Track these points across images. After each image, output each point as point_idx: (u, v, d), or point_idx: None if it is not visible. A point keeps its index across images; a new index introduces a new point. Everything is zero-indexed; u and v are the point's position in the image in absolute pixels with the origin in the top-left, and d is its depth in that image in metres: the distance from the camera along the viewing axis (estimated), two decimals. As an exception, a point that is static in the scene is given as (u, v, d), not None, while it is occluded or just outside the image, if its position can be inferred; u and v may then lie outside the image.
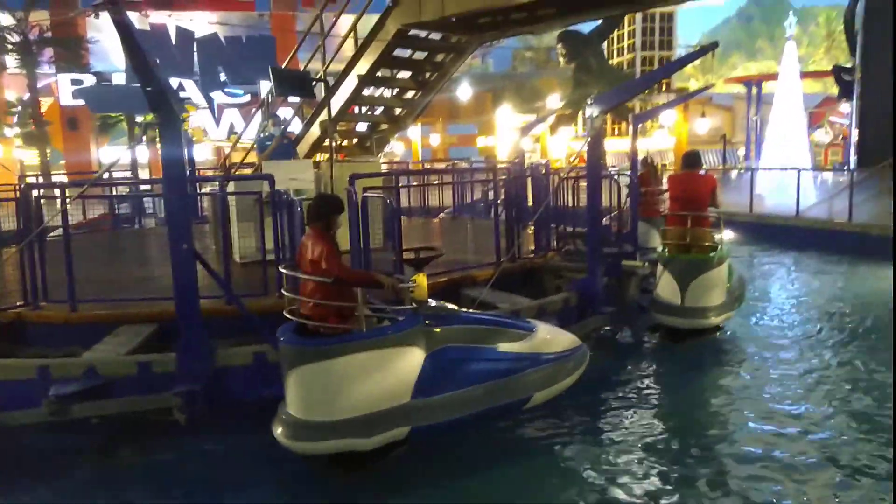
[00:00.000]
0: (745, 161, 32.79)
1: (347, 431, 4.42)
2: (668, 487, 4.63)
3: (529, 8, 8.57)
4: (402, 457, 4.79)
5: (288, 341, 4.56)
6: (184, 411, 5.01)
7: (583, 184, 9.08)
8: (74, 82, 24.21)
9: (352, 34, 9.54)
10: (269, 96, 11.29)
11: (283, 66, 10.68)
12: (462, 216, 14.05)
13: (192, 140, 24.79)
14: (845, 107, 26.55)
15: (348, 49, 10.05)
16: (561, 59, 31.20)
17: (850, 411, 5.75)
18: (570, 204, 9.68)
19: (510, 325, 5.20)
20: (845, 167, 24.57)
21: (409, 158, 34.21)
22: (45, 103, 28.61)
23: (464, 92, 33.76)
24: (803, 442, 5.23)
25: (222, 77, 23.03)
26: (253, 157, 12.51)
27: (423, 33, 9.37)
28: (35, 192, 6.84)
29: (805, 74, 33.21)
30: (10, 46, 24.52)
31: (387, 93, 10.39)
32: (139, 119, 27.84)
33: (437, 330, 4.75)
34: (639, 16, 55.61)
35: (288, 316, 4.72)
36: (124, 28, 4.26)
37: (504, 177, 8.40)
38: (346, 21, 10.97)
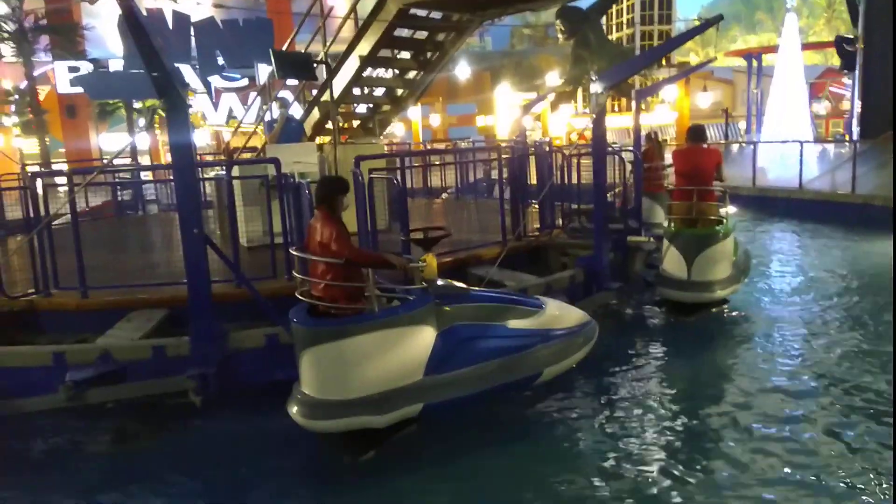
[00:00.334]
0: (746, 135, 32.66)
1: (362, 409, 4.49)
2: (678, 459, 4.69)
3: (530, -16, 8.51)
4: (414, 434, 4.86)
5: (301, 322, 4.61)
6: (198, 394, 5.07)
7: (585, 161, 9.10)
8: (71, 69, 24.09)
9: (352, 15, 9.49)
10: (270, 80, 11.24)
11: (283, 49, 10.60)
12: (465, 196, 14.07)
13: (192, 126, 24.71)
14: (847, 79, 26.39)
15: (347, 30, 10.00)
16: (560, 36, 30.90)
17: (855, 382, 5.80)
18: (575, 181, 9.68)
19: (519, 302, 5.25)
20: (847, 138, 24.53)
21: (409, 139, 34.10)
22: (43, 91, 28.49)
23: (462, 71, 33.55)
24: (810, 412, 5.28)
25: (220, 61, 22.92)
26: (255, 142, 12.51)
27: (423, 12, 9.32)
28: (41, 181, 6.87)
29: (806, 46, 33.00)
30: (5, 35, 24.34)
31: (388, 73, 10.35)
32: (137, 105, 27.72)
33: (448, 308, 4.79)
34: (638, -10, 55.01)
35: (300, 298, 4.76)
36: (130, 14, 4.25)
37: (507, 155, 8.39)
38: (343, 1, 10.91)
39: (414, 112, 31.07)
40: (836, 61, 27.04)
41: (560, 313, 5.35)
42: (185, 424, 5.40)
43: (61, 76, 24.89)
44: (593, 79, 6.71)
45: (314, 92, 10.30)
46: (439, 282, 4.86)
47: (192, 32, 20.96)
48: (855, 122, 21.76)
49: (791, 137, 19.97)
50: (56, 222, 7.46)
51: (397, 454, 4.77)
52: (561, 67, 37.39)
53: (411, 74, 10.12)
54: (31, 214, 6.99)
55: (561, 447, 5.03)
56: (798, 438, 4.87)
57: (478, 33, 51.34)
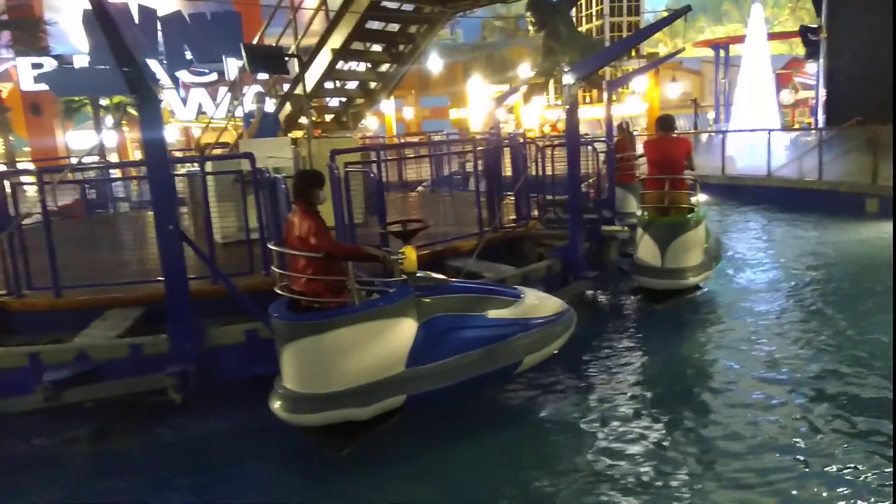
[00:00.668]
0: (715, 124, 33.10)
1: (344, 402, 4.51)
2: (657, 440, 4.79)
3: (501, -24, 8.53)
4: (396, 426, 4.89)
5: (282, 317, 4.61)
6: (178, 391, 5.05)
7: (559, 152, 9.18)
8: (35, 66, 23.53)
9: (323, 7, 9.43)
10: (240, 74, 11.13)
11: (253, 43, 10.51)
12: (440, 189, 14.08)
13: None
14: (811, 67, 26.87)
15: (319, 23, 9.94)
16: (530, 28, 31.00)
17: (825, 355, 6.05)
18: (549, 172, 9.77)
19: (498, 292, 5.31)
20: (813, 127, 24.98)
21: (383, 133, 33.96)
22: (5, 89, 27.80)
23: (434, 64, 33.48)
24: (783, 387, 5.47)
25: (188, 56, 22.56)
26: (226, 137, 12.38)
27: (395, 4, 9.30)
28: (9, 181, 6.73)
29: (772, 36, 33.48)
30: (-36, 31, 23.71)
31: (361, 66, 10.32)
32: (104, 102, 27.19)
33: (428, 300, 4.84)
34: (606, -19, 55.32)
35: (279, 292, 4.76)
36: (100, 8, 4.19)
37: (482, 148, 8.44)
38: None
39: (387, 105, 30.92)
40: (801, 51, 27.50)
41: (538, 302, 5.42)
42: (165, 422, 5.37)
43: (24, 73, 24.29)
44: (565, 70, 6.77)
45: (286, 86, 10.23)
46: (419, 274, 4.90)
47: (159, 27, 20.55)
48: (820, 109, 22.19)
49: (759, 126, 20.29)
50: (25, 222, 7.32)
51: (379, 447, 4.80)
52: (532, 59, 37.52)
53: (384, 67, 10.11)
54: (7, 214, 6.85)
55: (541, 435, 5.11)
56: (771, 420, 5.00)
57: (449, 26, 51.22)
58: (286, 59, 8.67)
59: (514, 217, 8.89)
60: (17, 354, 5.24)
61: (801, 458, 4.43)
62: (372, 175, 6.64)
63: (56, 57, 24.84)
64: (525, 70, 36.42)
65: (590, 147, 9.73)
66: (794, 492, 4.07)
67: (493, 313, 5.08)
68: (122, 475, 4.78)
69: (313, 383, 4.57)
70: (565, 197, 8.41)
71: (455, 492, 4.46)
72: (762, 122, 23.16)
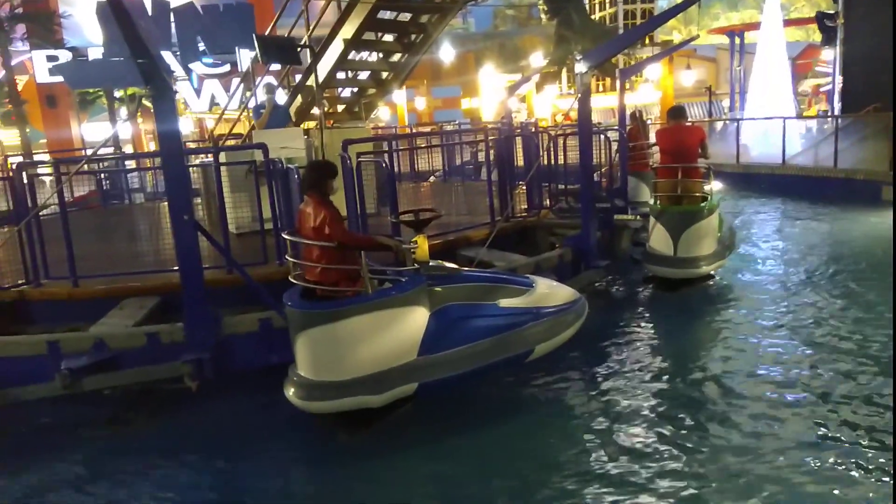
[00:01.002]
0: (730, 112, 32.80)
1: (357, 390, 4.56)
2: (669, 430, 4.80)
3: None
4: (409, 412, 4.94)
5: (296, 306, 4.67)
6: (194, 379, 5.12)
7: (571, 141, 9.15)
8: (50, 59, 23.72)
9: (334, -2, 9.44)
10: (252, 65, 11.16)
11: (266, 34, 10.53)
12: (452, 179, 14.09)
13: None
14: (828, 53, 26.51)
15: (331, 14, 9.93)
16: (543, 16, 30.92)
17: (838, 348, 5.97)
18: (561, 162, 9.75)
19: (510, 281, 5.33)
20: (827, 112, 24.69)
21: (395, 123, 33.94)
22: (21, 81, 28.05)
23: (446, 53, 33.36)
24: (796, 379, 5.43)
25: (201, 47, 22.64)
26: (239, 128, 12.43)
27: (407, -7, 9.29)
28: (28, 172, 6.83)
29: (788, 22, 33.08)
30: (-21, 24, 23.91)
31: (373, 57, 10.32)
32: (118, 94, 27.37)
33: (440, 289, 4.87)
34: (620, -32, 54.79)
35: (293, 281, 4.81)
36: (115, 0, 4.23)
37: (494, 137, 8.43)
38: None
39: (399, 95, 30.89)
40: (817, 37, 27.11)
41: (550, 291, 5.44)
42: (181, 409, 5.46)
43: (40, 66, 24.48)
44: (577, 59, 6.74)
45: (298, 77, 10.24)
46: (431, 263, 4.93)
47: (172, 18, 20.63)
48: (836, 97, 21.91)
49: (774, 114, 20.10)
50: (43, 213, 7.43)
51: (392, 434, 4.85)
52: (545, 48, 37.32)
53: (396, 57, 10.09)
54: (18, 206, 6.95)
55: (555, 423, 5.14)
56: (782, 414, 4.96)
57: (461, 15, 51.01)
58: (298, 49, 8.68)
59: (525, 206, 8.89)
60: (37, 342, 5.33)
61: (811, 452, 4.39)
62: (384, 165, 6.65)
63: (71, 49, 25.03)
64: (537, 59, 36.25)
65: (602, 136, 9.68)
66: (805, 488, 4.06)
67: (504, 302, 5.10)
68: (138, 461, 4.86)
69: (327, 371, 4.62)
70: (578, 186, 8.40)
71: (467, 479, 4.50)
72: (777, 109, 22.93)
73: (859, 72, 18.96)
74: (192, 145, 18.87)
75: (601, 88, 43.28)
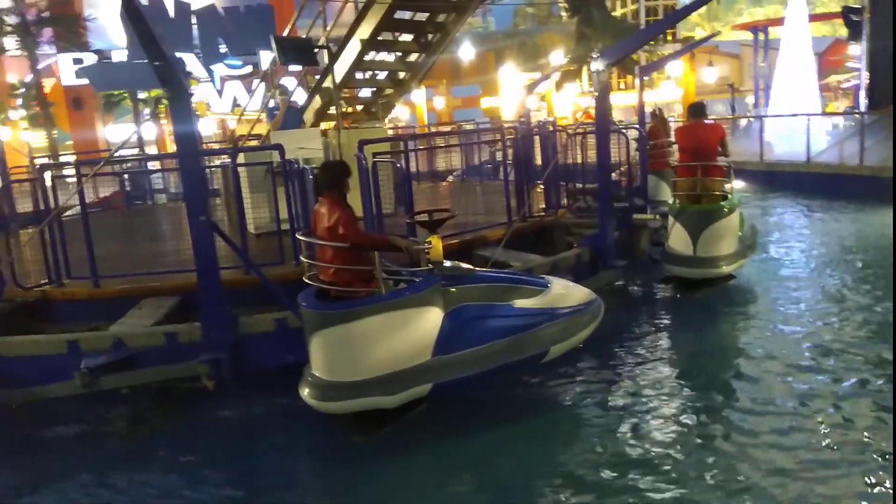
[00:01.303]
0: (754, 109, 32.34)
1: (372, 390, 4.57)
2: (687, 431, 4.75)
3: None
4: (425, 413, 4.93)
5: (310, 306, 4.68)
6: (211, 378, 5.16)
7: (590, 140, 9.07)
8: (76, 61, 24.12)
9: (351, -1, 9.47)
10: (272, 66, 11.24)
11: (284, 35, 10.60)
12: (470, 178, 14.07)
13: (197, 114, 24.70)
14: (855, 49, 26.03)
15: (348, 14, 9.97)
16: (563, 14, 30.76)
17: (861, 356, 5.81)
18: (580, 160, 9.68)
19: (525, 281, 5.30)
20: (851, 108, 24.20)
21: (414, 122, 33.98)
22: (48, 84, 28.55)
23: (466, 52, 33.31)
24: (818, 389, 5.29)
25: (222, 49, 22.87)
26: (260, 129, 12.54)
27: (424, -8, 9.30)
28: (50, 173, 6.94)
29: (813, 17, 32.49)
30: (8, 28, 24.38)
31: (390, 56, 10.33)
32: (142, 96, 27.74)
33: (454, 289, 4.85)
34: (641, -36, 54.33)
35: (308, 282, 4.83)
36: (130, 3, 4.28)
37: (511, 136, 8.40)
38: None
39: (418, 95, 30.90)
40: (844, 32, 26.61)
41: (565, 292, 5.39)
42: (198, 408, 5.51)
43: (66, 68, 24.92)
44: (594, 56, 6.69)
45: (317, 77, 10.30)
46: (445, 263, 4.91)
47: (194, 21, 20.85)
48: (862, 93, 21.51)
49: (799, 111, 19.76)
50: (67, 214, 7.55)
51: (407, 434, 4.84)
52: (565, 46, 37.10)
53: (413, 57, 10.10)
54: (41, 206, 7.08)
55: (568, 425, 5.10)
56: (807, 412, 4.90)
57: (480, 14, 50.95)
58: (315, 50, 8.72)
59: (543, 206, 8.84)
60: (57, 342, 5.42)
61: (826, 468, 4.26)
62: (399, 165, 6.66)
63: (96, 52, 25.44)
64: (558, 57, 36.05)
65: (620, 134, 9.58)
66: (826, 484, 4.00)
67: (519, 303, 5.07)
68: (155, 458, 4.92)
69: (341, 371, 4.63)
70: (596, 185, 8.32)
71: (480, 480, 4.49)
72: (802, 106, 22.56)
73: (886, 67, 18.59)
74: (214, 146, 19.10)
75: (623, 86, 42.97)
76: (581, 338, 5.31)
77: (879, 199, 12.26)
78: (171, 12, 21.42)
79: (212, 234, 5.22)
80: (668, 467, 4.33)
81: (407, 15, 9.67)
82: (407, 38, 9.95)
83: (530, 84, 12.34)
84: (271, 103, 10.17)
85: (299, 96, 11.64)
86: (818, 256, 9.30)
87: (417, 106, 34.22)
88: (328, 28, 8.98)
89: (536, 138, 9.35)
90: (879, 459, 4.19)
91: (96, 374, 5.17)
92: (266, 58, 18.39)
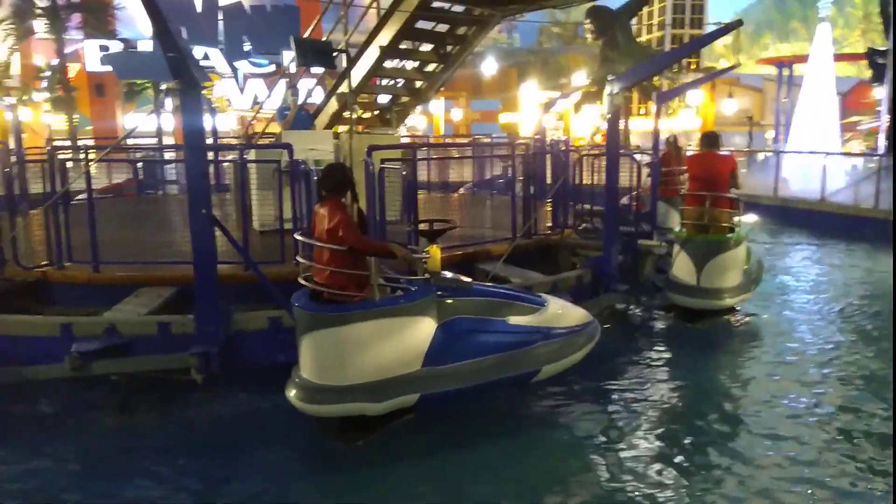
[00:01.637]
0: (774, 144, 32.23)
1: (358, 396, 4.53)
2: (673, 465, 4.67)
3: (553, -18, 8.50)
4: (411, 424, 4.89)
5: (303, 307, 4.66)
6: (200, 371, 5.14)
7: (603, 162, 9.03)
8: (101, 48, 24.43)
9: (374, 4, 9.51)
10: (290, 66, 11.32)
11: (306, 36, 10.67)
12: (482, 191, 14.05)
13: (216, 109, 24.91)
14: (879, 91, 25.91)
15: (372, 20, 10.02)
16: (588, 35, 30.79)
17: (860, 398, 5.73)
18: (590, 182, 9.65)
19: (521, 298, 5.25)
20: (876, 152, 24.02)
21: (431, 133, 34.11)
22: (73, 69, 28.90)
23: (488, 67, 33.47)
24: (813, 426, 5.23)
25: (246, 47, 23.10)
26: (274, 128, 12.60)
27: (446, 5, 9.32)
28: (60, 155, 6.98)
29: (839, 57, 32.39)
30: (38, 11, 24.72)
31: (408, 65, 10.37)
32: (165, 86, 28.01)
33: (449, 301, 4.82)
34: (670, -8, 54.50)
35: (302, 282, 4.81)
36: (147, -7, 4.31)
37: (522, 153, 8.38)
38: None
39: (436, 106, 31.04)
40: (868, 74, 26.51)
41: (562, 312, 5.35)
42: (186, 400, 5.49)
43: (91, 55, 25.24)
44: (609, 79, 6.67)
45: (335, 80, 10.35)
46: (443, 274, 4.88)
47: (221, 16, 21.09)
48: (882, 135, 21.37)
49: (818, 149, 19.65)
50: (77, 198, 7.58)
51: (390, 443, 4.80)
52: (588, 67, 37.20)
53: (431, 67, 10.13)
54: (51, 188, 7.11)
55: (552, 447, 5.05)
56: (801, 448, 4.83)
57: (506, 29, 51.22)
58: (334, 53, 8.75)
59: (550, 224, 8.81)
60: (51, 324, 5.43)
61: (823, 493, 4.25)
62: (403, 174, 6.65)
63: (122, 40, 25.74)
64: (580, 77, 36.11)
65: (632, 159, 9.55)
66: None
67: (514, 319, 5.03)
68: (137, 447, 4.91)
69: (329, 374, 4.60)
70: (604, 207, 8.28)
71: (457, 496, 4.43)
72: (822, 144, 22.45)
73: (908, 111, 18.45)
74: (233, 142, 19.20)
75: (643, 111, 42.99)
76: (575, 359, 5.26)
77: (890, 242, 12.13)
78: (199, 7, 21.77)
79: (212, 228, 5.22)
80: (652, 494, 4.25)
81: (428, 25, 9.71)
82: (426, 47, 9.99)
83: (547, 103, 12.36)
84: (276, 103, 10.22)
85: (318, 98, 11.70)
86: (824, 295, 9.20)
87: (435, 116, 34.36)
88: (348, 32, 9.02)
89: (549, 156, 9.33)
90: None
91: (87, 358, 5.17)
92: (289, 58, 18.54)
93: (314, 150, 8.30)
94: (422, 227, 5.14)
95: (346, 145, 8.65)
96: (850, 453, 4.75)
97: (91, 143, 22.24)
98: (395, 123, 10.61)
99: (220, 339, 5.29)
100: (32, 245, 7.34)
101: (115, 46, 24.30)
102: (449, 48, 9.90)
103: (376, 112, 11.04)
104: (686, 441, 4.98)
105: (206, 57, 22.60)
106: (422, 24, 9.41)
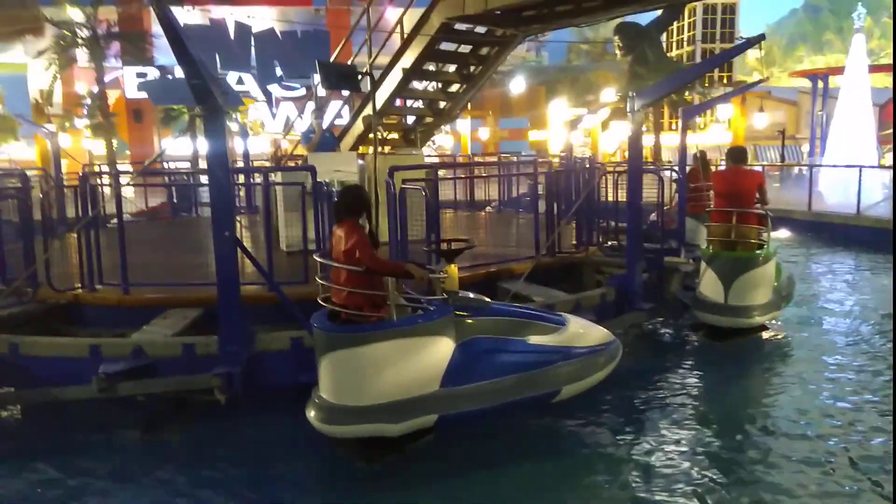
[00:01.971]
0: (809, 157, 31.65)
1: (376, 417, 4.53)
2: (704, 486, 4.56)
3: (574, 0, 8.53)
4: (429, 446, 4.87)
5: (321, 327, 4.70)
6: (223, 392, 5.21)
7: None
8: (139, 75, 25.19)
9: (398, 28, 9.65)
10: (317, 90, 11.52)
11: (331, 60, 10.87)
12: (508, 210, 14.04)
13: (249, 132, 25.41)
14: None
15: (396, 43, 10.17)
16: (617, 52, 30.76)
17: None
18: (615, 199, 9.58)
19: (541, 317, 5.21)
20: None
21: (458, 151, 34.27)
22: (113, 96, 29.83)
23: (517, 85, 33.55)
24: (845, 450, 5.05)
25: (278, 71, 23.60)
26: (302, 150, 12.82)
27: (467, 26, 9.41)
28: (93, 181, 7.20)
29: (875, 68, 31.80)
30: (80, 41, 25.63)
31: (431, 86, 10.47)
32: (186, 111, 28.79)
33: (468, 321, 4.81)
34: (699, 7, 54.15)
35: (321, 303, 4.86)
36: (167, 23, 4.45)
37: (544, 171, 8.38)
38: (396, 15, 11.07)
39: (464, 125, 31.21)
40: (906, 84, 26.00)
41: (583, 331, 5.30)
42: (211, 421, 5.55)
43: (129, 81, 26.03)
44: (631, 95, 6.65)
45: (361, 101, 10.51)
46: (460, 294, 4.89)
47: (253, 43, 21.58)
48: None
49: (854, 162, 19.24)
50: (112, 221, 7.79)
51: (412, 465, 4.79)
52: (618, 84, 37.04)
53: (454, 87, 10.22)
54: (84, 212, 7.33)
55: (576, 467, 4.96)
56: (833, 472, 4.69)
57: (534, 48, 51.31)
58: (359, 76, 8.89)
59: (574, 242, 8.76)
60: (80, 345, 5.56)
61: None
62: (424, 194, 6.70)
63: (159, 67, 26.55)
64: (609, 94, 35.98)
65: (657, 175, 9.47)
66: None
67: (534, 339, 5.00)
68: (162, 467, 4.96)
69: (347, 395, 4.62)
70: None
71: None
72: (858, 157, 21.98)
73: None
74: (266, 164, 19.55)
75: (674, 127, 42.57)
76: (596, 379, 5.19)
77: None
78: (232, 34, 22.33)
79: (235, 250, 5.31)
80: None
81: (451, 46, 9.80)
82: (449, 68, 10.08)
83: (573, 120, 12.33)
84: (305, 126, 10.40)
85: (346, 119, 11.87)
86: (859, 314, 8.93)
87: (462, 135, 34.53)
88: (373, 56, 9.16)
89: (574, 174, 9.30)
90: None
91: (114, 379, 5.27)
92: (318, 81, 18.88)
93: (339, 171, 8.43)
94: (442, 246, 5.17)
95: (370, 166, 8.77)
96: (877, 481, 4.58)
97: (123, 168, 22.89)
98: (419, 143, 10.70)
99: (242, 359, 5.36)
100: (66, 268, 7.54)
101: (153, 73, 25.04)
102: (472, 68, 9.98)
103: (401, 133, 11.16)
104: (707, 466, 4.85)
105: (240, 81, 23.17)
106: (445, 46, 9.50)
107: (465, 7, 8.42)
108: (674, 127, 42.26)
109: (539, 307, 6.01)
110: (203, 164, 28.49)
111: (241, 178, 11.26)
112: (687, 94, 30.86)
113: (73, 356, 5.51)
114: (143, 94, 24.62)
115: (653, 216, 9.12)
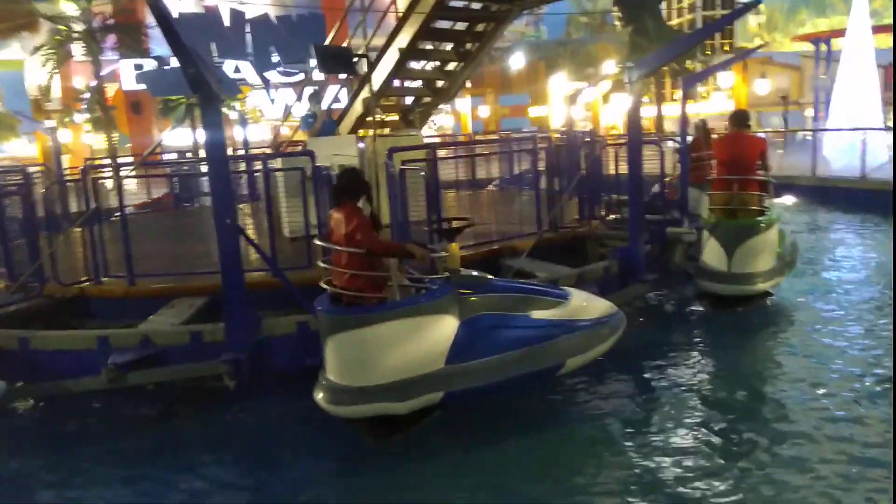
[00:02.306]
0: (814, 122, 31.31)
1: (383, 396, 4.58)
2: (712, 455, 4.60)
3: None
4: (442, 422, 4.92)
5: (325, 310, 4.74)
6: (232, 378, 5.27)
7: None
8: (136, 67, 25.07)
9: (393, 8, 9.57)
10: (313, 74, 11.47)
11: (327, 43, 10.81)
12: (511, 187, 14.00)
13: (248, 120, 25.34)
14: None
15: (392, 23, 10.09)
16: (617, 23, 30.49)
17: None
18: (618, 171, 9.53)
19: (543, 292, 5.24)
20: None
21: (459, 130, 34.10)
22: (111, 89, 29.76)
23: (516, 61, 33.28)
24: (852, 416, 5.05)
25: (274, 58, 23.44)
26: (301, 135, 12.80)
27: (463, 3, 9.33)
28: (94, 174, 7.22)
29: (878, 28, 31.28)
30: (75, 35, 25.52)
31: (429, 65, 10.40)
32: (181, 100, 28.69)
33: (471, 298, 4.84)
34: (699, -26, 53.39)
35: (324, 286, 4.89)
36: (159, 13, 4.43)
37: (544, 146, 8.35)
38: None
39: (463, 103, 31.02)
40: (911, 44, 25.53)
41: (586, 304, 5.33)
42: (219, 407, 5.63)
43: (127, 74, 25.93)
44: (628, 66, 6.59)
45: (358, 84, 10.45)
46: (462, 271, 4.91)
47: (248, 29, 21.37)
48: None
49: (860, 125, 19.01)
50: (116, 214, 7.82)
51: (422, 442, 4.84)
52: (619, 56, 36.68)
53: (451, 66, 10.15)
54: (86, 206, 7.35)
55: (584, 439, 5.01)
56: (840, 439, 4.70)
57: (532, 22, 50.83)
58: (354, 59, 8.85)
59: (577, 217, 8.75)
60: (88, 337, 5.63)
61: (853, 481, 4.14)
62: (422, 174, 6.69)
63: (156, 58, 26.36)
64: (610, 66, 35.65)
65: (657, 145, 9.41)
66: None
67: (536, 314, 5.03)
68: (174, 454, 5.05)
69: (354, 376, 4.67)
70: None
71: (491, 490, 4.44)
72: (863, 119, 21.71)
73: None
74: (267, 151, 19.52)
75: (676, 97, 42.19)
76: (599, 351, 5.23)
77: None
78: (227, 21, 22.18)
79: (237, 238, 5.34)
80: (679, 491, 4.20)
81: (447, 24, 9.72)
82: (446, 47, 10.01)
83: (572, 94, 12.21)
84: (303, 111, 10.36)
85: (345, 99, 11.80)
86: (864, 279, 8.91)
87: (462, 114, 34.33)
88: (368, 37, 9.11)
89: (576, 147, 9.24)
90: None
91: (123, 369, 5.34)
92: (314, 65, 18.75)
93: (338, 155, 8.42)
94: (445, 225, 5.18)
95: (370, 148, 8.76)
96: (881, 445, 4.59)
97: (122, 160, 22.90)
98: (418, 124, 10.66)
99: (249, 345, 5.41)
100: (71, 262, 7.60)
101: (149, 64, 24.92)
102: (468, 46, 9.90)
103: (400, 114, 11.11)
104: (714, 434, 4.88)
105: (237, 70, 23.04)
106: (440, 24, 9.43)
107: (458, -18, 8.36)
108: (676, 97, 41.89)
109: (542, 282, 6.03)
110: (203, 154, 28.49)
111: (243, 166, 11.26)
112: (689, 63, 30.55)
113: (83, 348, 5.58)
114: (141, 86, 24.57)
115: (655, 187, 9.08)
